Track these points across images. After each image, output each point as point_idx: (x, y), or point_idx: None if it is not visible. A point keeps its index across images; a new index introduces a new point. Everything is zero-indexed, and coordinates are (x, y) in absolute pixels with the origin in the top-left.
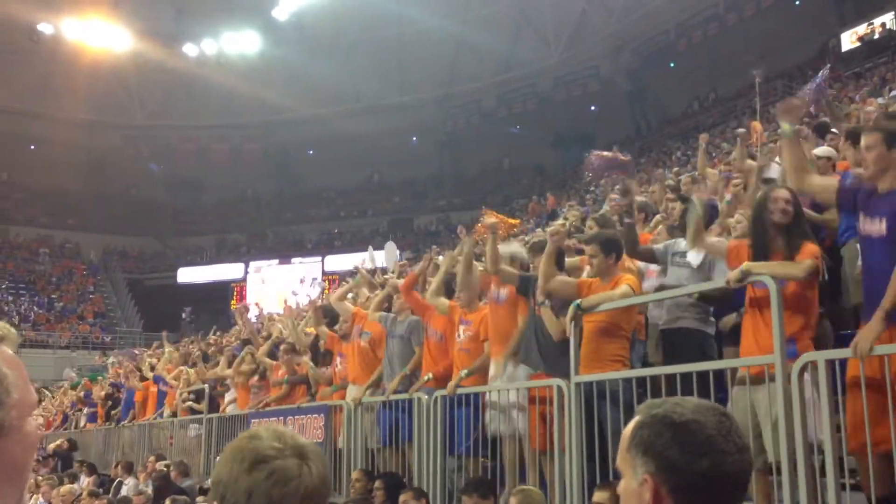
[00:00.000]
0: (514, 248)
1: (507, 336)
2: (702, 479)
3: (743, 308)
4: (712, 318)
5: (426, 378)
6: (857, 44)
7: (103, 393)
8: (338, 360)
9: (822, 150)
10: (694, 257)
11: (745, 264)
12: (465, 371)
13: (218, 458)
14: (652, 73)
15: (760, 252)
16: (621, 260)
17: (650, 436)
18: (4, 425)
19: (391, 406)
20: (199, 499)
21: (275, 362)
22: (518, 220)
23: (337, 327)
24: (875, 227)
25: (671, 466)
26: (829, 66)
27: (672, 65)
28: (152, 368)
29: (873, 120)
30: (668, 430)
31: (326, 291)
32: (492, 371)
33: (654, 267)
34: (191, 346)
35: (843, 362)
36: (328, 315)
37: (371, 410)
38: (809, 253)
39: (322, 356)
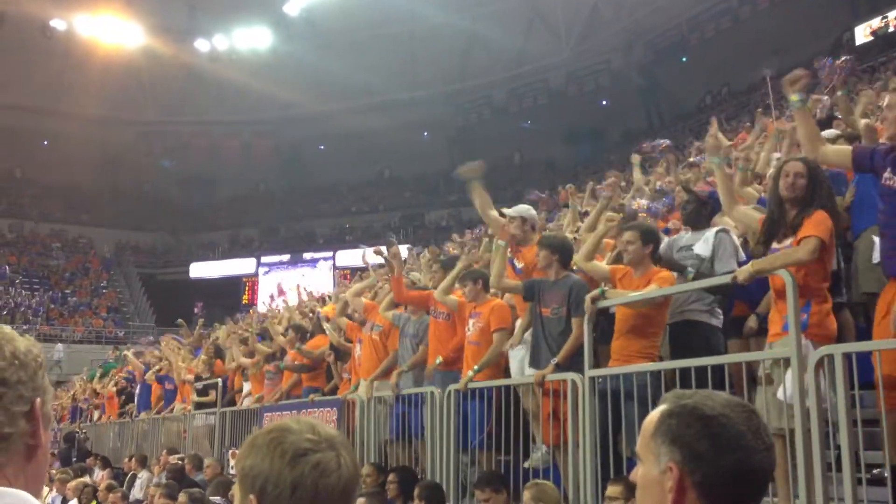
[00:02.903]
0: (522, 207)
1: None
2: (729, 473)
3: (758, 308)
4: (718, 310)
5: (437, 361)
6: (871, 37)
7: (115, 388)
8: (357, 346)
9: (830, 132)
10: (702, 248)
11: (753, 263)
12: (475, 368)
13: (243, 450)
14: (664, 68)
15: (771, 227)
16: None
17: (679, 426)
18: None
19: (403, 400)
20: (234, 489)
21: (288, 342)
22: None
23: (352, 313)
24: None
25: (699, 458)
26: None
27: (684, 59)
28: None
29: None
30: (699, 421)
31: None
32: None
33: None
34: (205, 339)
35: (860, 356)
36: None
37: (383, 403)
38: (814, 227)
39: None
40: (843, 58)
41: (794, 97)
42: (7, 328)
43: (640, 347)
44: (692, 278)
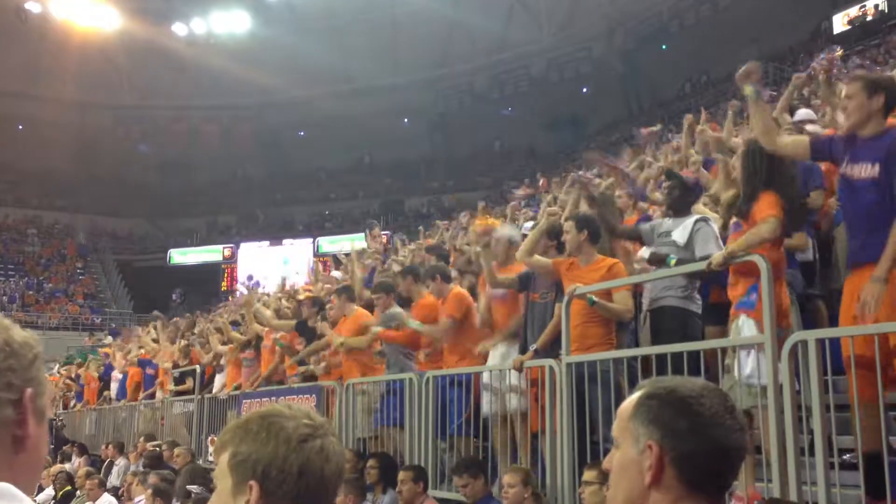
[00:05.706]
0: (508, 230)
1: None
2: (706, 451)
3: None
4: (696, 295)
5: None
6: (849, 26)
7: (95, 374)
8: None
9: (804, 112)
10: (679, 235)
11: (728, 247)
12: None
13: (232, 436)
14: (645, 55)
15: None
16: (599, 242)
17: (658, 406)
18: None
19: (389, 389)
20: (219, 475)
21: (266, 328)
22: (499, 222)
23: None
24: (863, 171)
25: (678, 436)
26: (836, 47)
27: (664, 47)
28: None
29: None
30: (678, 402)
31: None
32: None
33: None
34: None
35: (834, 341)
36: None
37: (363, 394)
38: (768, 208)
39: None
40: (837, 52)
41: (748, 89)
42: (6, 320)
43: (598, 336)
44: (674, 264)
